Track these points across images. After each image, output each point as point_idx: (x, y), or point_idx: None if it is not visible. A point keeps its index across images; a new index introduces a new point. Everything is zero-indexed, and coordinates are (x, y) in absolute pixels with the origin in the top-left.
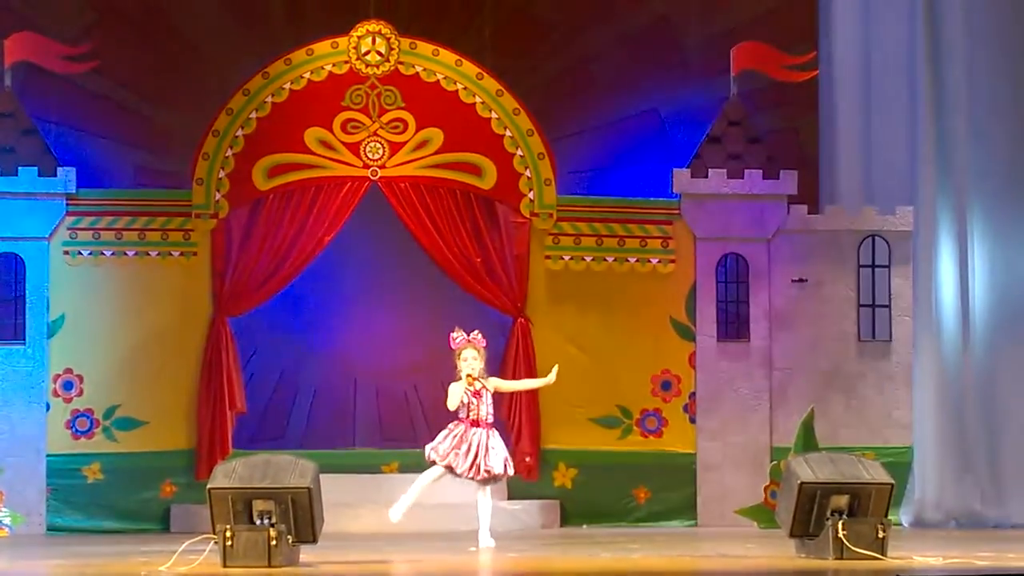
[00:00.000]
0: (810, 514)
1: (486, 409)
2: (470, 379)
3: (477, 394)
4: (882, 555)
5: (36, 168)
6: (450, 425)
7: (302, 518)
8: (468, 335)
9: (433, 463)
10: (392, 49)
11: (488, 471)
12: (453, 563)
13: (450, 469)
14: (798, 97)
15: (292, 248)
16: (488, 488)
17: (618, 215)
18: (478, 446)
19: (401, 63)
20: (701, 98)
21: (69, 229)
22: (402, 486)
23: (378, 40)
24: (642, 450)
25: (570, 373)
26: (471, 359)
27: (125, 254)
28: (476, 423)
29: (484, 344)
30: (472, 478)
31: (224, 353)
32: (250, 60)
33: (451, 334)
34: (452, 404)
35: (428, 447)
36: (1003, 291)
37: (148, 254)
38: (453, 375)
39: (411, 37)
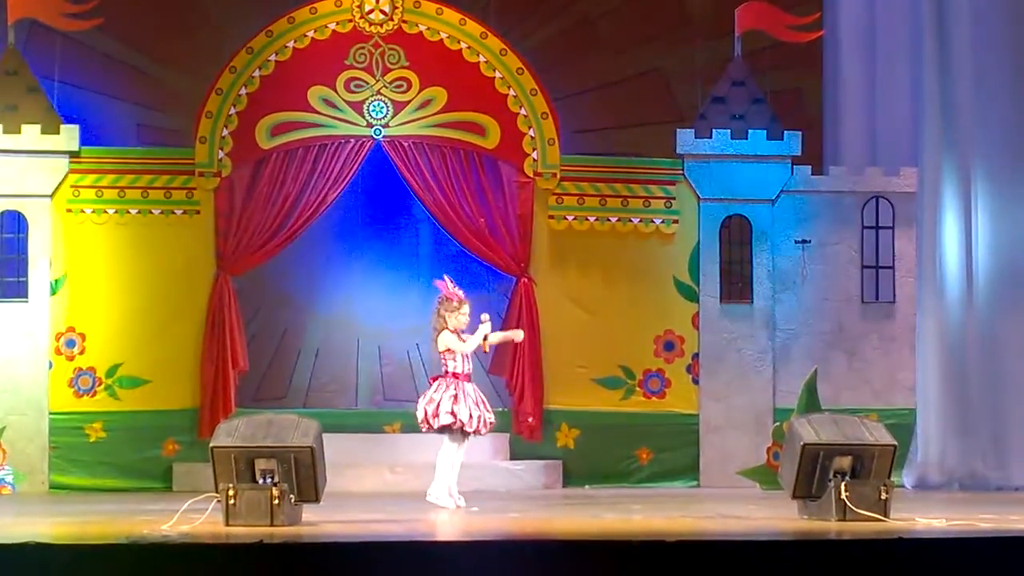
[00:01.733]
0: (813, 475)
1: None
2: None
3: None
4: (885, 517)
5: (39, 126)
6: (441, 385)
7: (305, 477)
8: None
9: (458, 430)
10: (396, 8)
11: (491, 422)
12: (455, 523)
13: (477, 433)
14: (802, 58)
15: (295, 207)
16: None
17: (621, 175)
18: (478, 402)
19: (405, 22)
20: (705, 58)
21: (72, 187)
22: (405, 446)
23: None
24: (645, 411)
25: (573, 333)
26: (466, 314)
27: (128, 212)
28: (468, 377)
29: None
30: (479, 432)
31: (227, 312)
32: (254, 18)
33: (447, 284)
34: (470, 348)
35: (441, 413)
36: (1007, 253)
37: (151, 212)
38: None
39: None
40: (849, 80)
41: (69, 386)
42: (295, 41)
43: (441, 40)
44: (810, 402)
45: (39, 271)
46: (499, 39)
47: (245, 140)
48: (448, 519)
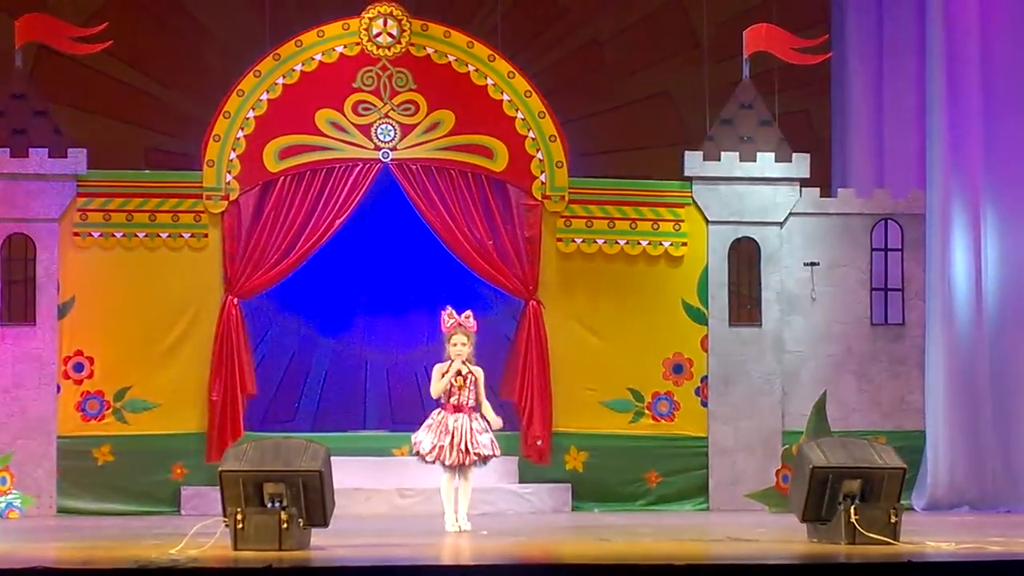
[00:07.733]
0: (822, 498)
1: (468, 395)
2: (459, 377)
3: (463, 378)
4: (895, 540)
5: (47, 149)
6: (432, 415)
7: (313, 501)
8: (459, 316)
9: (420, 456)
10: (403, 31)
11: (478, 454)
12: (464, 547)
13: (441, 463)
14: (810, 79)
15: (303, 230)
16: (470, 474)
17: (630, 198)
18: (462, 431)
19: (412, 45)
20: (713, 80)
21: (79, 211)
22: (413, 469)
23: (389, 22)
24: (654, 433)
25: (581, 356)
26: (460, 345)
27: (135, 236)
28: (459, 408)
29: (475, 328)
30: (464, 464)
31: (235, 335)
32: (261, 41)
33: (442, 313)
34: (435, 392)
35: (413, 439)
36: (1016, 274)
37: (159, 236)
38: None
39: (422, 19)
40: (857, 102)
41: (77, 410)
42: (303, 64)
43: (449, 63)
44: (819, 425)
45: (47, 295)
46: (507, 62)
47: (253, 163)
48: (457, 543)
